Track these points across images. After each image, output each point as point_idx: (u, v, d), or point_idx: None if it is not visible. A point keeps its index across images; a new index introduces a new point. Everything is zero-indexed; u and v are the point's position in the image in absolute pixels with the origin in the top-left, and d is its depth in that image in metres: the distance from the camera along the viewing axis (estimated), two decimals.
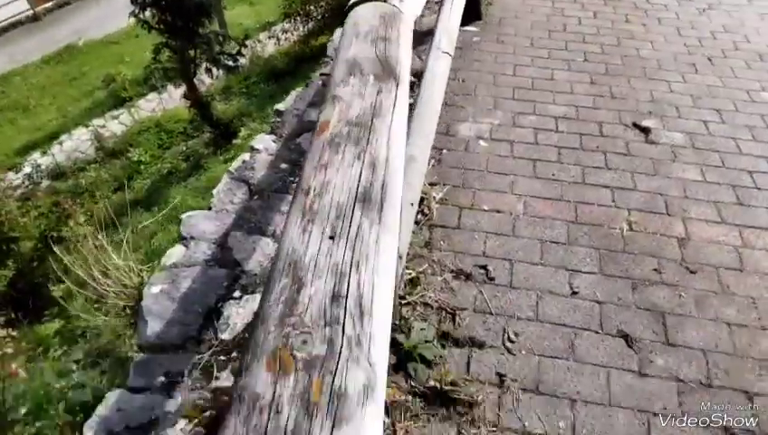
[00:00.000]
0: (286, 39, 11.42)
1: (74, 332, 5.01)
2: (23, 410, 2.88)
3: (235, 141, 9.03)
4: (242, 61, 8.84)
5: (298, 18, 10.82)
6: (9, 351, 2.94)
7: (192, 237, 2.71)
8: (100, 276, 3.15)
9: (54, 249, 5.18)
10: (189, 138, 10.52)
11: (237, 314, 2.33)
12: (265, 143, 3.36)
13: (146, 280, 2.69)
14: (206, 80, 9.80)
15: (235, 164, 3.20)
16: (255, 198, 2.98)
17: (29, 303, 6.46)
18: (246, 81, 11.28)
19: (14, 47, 21.42)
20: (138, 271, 3.15)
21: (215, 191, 3.01)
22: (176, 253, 2.63)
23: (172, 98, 12.14)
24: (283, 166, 3.19)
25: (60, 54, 20.10)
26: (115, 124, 12.47)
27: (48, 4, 23.57)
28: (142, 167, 10.15)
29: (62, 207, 6.90)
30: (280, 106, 3.71)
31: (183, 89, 9.22)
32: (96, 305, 3.87)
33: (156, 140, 10.88)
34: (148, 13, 8.02)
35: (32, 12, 22.36)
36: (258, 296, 2.34)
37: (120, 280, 3.06)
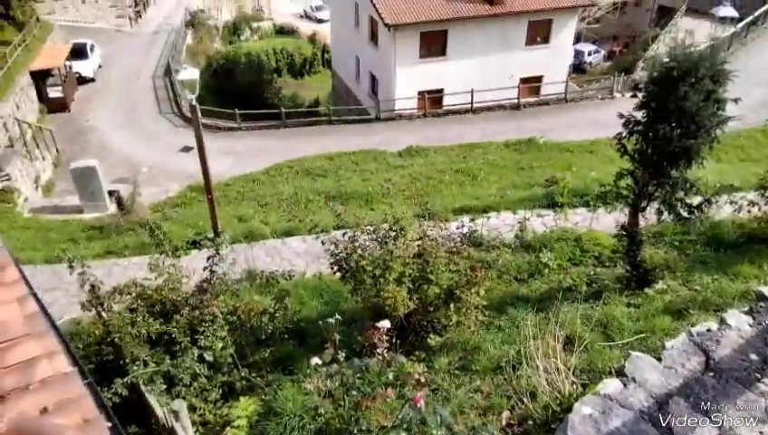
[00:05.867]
0: (749, 211, 10.40)
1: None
2: None
3: (647, 290, 8.55)
4: (696, 215, 8.27)
5: None
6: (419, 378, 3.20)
7: (633, 379, 2.54)
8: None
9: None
10: (602, 265, 10.39)
11: None
12: (738, 322, 2.99)
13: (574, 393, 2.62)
14: (647, 217, 9.53)
15: (699, 328, 2.93)
16: (711, 374, 2.65)
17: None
18: (683, 235, 10.64)
19: (492, 124, 24.97)
20: (571, 382, 3.10)
21: (668, 345, 2.79)
22: (612, 385, 2.52)
23: (599, 221, 12.25)
24: (753, 357, 2.77)
25: (520, 143, 22.47)
26: (538, 222, 13.17)
27: (531, 99, 27.35)
28: (546, 270, 10.41)
29: (475, 272, 7.52)
30: (766, 290, 3.28)
31: (610, 216, 8.94)
32: None
33: (569, 252, 11.07)
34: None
35: (516, 101, 26.25)
36: None
37: (555, 383, 3.04)
